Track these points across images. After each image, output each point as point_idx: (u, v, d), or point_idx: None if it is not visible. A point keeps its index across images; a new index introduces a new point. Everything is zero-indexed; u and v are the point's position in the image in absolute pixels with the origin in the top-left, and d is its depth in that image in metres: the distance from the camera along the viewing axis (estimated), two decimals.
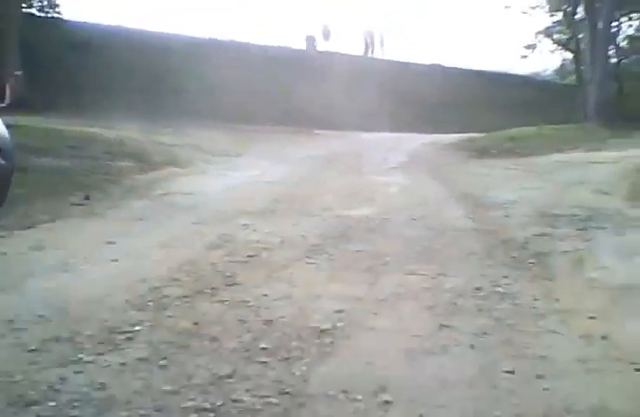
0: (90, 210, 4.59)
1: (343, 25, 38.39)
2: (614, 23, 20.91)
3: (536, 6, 21.61)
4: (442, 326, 2.54)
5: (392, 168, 7.97)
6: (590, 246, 3.86)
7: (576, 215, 4.76)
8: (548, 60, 24.45)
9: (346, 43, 24.22)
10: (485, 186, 6.53)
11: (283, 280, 3.11)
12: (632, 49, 21.80)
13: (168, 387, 1.94)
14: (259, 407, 1.86)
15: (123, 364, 2.09)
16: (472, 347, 2.36)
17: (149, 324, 2.46)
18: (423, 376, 2.11)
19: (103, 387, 1.94)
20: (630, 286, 3.10)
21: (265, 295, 2.85)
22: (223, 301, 2.77)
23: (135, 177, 5.82)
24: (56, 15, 14.94)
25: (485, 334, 2.48)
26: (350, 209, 4.91)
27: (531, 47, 22.40)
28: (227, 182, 6.05)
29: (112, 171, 6.02)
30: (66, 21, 15.05)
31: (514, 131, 13.78)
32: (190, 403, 1.86)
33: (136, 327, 2.41)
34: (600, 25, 17.36)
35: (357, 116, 16.71)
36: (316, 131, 14.53)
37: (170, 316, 2.55)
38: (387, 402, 1.91)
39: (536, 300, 2.90)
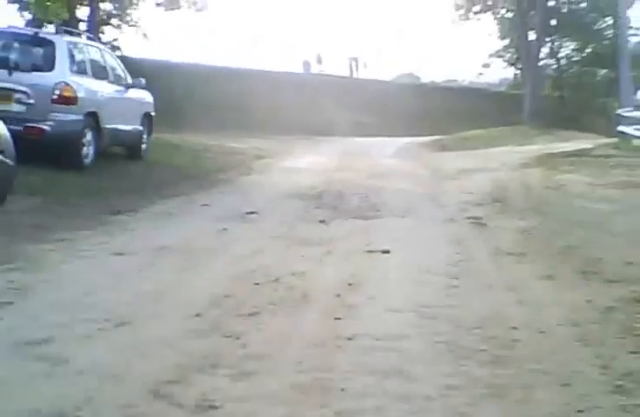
0: (257, 174, 10.15)
1: (332, 51, 45.89)
2: (555, 44, 27.46)
3: (490, 34, 28.19)
4: (403, 180, 8.29)
5: (386, 156, 13.72)
6: (472, 176, 9.68)
7: (476, 170, 10.55)
8: (503, 73, 30.55)
9: (335, 66, 30.31)
10: (440, 163, 12.27)
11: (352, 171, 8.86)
12: (568, 64, 28.12)
13: None
14: None
15: None
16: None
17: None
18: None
19: None
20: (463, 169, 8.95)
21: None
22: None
23: (256, 162, 11.46)
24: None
25: (413, 182, 8.24)
26: (373, 169, 10.66)
27: (486, 65, 28.88)
28: (303, 163, 11.69)
29: (237, 161, 11.67)
30: (128, 57, 20.55)
31: (468, 133, 19.58)
32: None
33: None
34: (532, 49, 23.57)
35: (347, 126, 22.59)
36: (319, 138, 20.11)
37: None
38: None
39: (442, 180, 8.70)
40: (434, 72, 53.96)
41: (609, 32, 26.67)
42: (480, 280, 3.85)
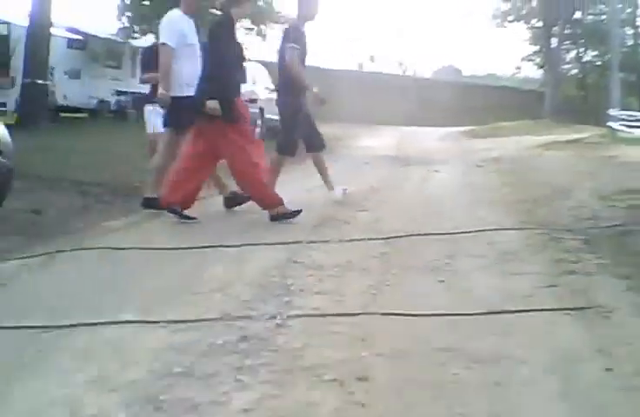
0: (345, 149, 15.88)
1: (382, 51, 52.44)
2: (580, 50, 32.81)
3: (524, 40, 33.66)
4: (444, 152, 13.91)
5: (432, 139, 19.34)
6: (489, 152, 15.27)
7: (494, 148, 16.08)
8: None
9: (386, 65, 36.26)
10: (470, 144, 17.82)
11: (410, 148, 14.52)
12: (591, 68, 33.42)
13: None
14: None
15: None
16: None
17: None
18: None
19: None
20: (485, 148, 14.60)
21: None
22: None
23: (338, 143, 17.19)
24: None
25: (450, 153, 13.86)
26: (424, 147, 16.29)
27: (518, 68, 34.42)
28: (373, 143, 17.37)
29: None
30: None
31: (498, 124, 25.03)
32: None
33: None
34: (554, 55, 29.00)
35: (399, 117, 28.27)
36: (378, 126, 25.76)
37: None
38: None
39: (469, 153, 14.33)
40: (474, 66, 59.65)
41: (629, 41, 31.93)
42: (473, 176, 9.47)
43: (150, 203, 5.48)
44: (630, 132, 19.22)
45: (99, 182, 6.51)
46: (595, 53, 32.55)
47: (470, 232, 4.72)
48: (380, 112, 28.32)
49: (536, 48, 32.54)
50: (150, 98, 6.47)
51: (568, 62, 32.62)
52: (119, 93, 16.07)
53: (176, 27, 5.58)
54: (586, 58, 32.86)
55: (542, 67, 33.14)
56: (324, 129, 18.87)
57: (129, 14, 17.25)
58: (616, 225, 4.78)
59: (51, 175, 6.51)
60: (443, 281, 3.55)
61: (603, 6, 31.20)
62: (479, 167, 10.85)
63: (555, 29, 30.25)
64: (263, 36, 18.67)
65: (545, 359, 2.47)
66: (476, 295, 3.30)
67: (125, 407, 2.09)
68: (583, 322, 2.83)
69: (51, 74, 13.69)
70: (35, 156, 7.54)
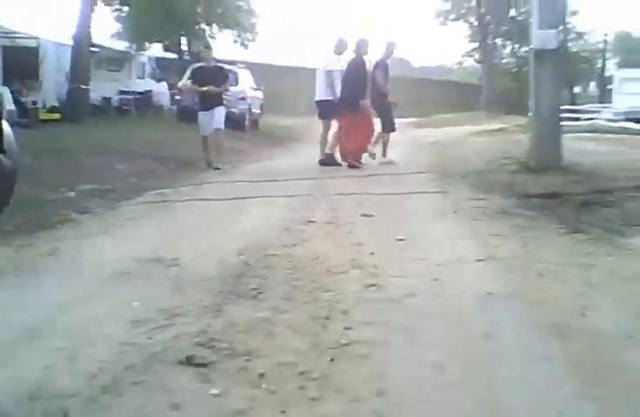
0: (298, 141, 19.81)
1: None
2: (515, 46, 37.38)
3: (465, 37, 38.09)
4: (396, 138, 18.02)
5: None
6: (428, 138, 19.41)
7: (433, 136, 20.24)
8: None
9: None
10: (415, 132, 21.97)
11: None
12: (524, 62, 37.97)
13: None
14: None
15: None
16: None
17: None
18: None
19: None
20: (426, 135, 18.74)
21: None
22: None
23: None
24: None
25: (401, 139, 17.98)
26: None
27: (459, 63, 38.84)
28: None
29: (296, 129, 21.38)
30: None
31: (440, 116, 29.40)
32: None
33: None
34: (488, 50, 33.44)
35: None
36: None
37: None
38: None
39: (414, 139, 18.43)
40: (424, 57, 64.40)
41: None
42: (413, 153, 13.54)
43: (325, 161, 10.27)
44: None
45: (166, 156, 10.36)
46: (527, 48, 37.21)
47: (401, 174, 8.78)
48: None
49: (476, 44, 36.96)
50: (201, 108, 10.15)
51: (504, 57, 37.16)
52: (121, 92, 19.67)
53: (332, 62, 10.27)
54: (520, 53, 37.38)
55: (479, 62, 37.59)
56: (288, 123, 23.14)
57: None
58: (482, 171, 8.85)
59: (130, 151, 10.28)
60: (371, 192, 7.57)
61: None
62: (419, 148, 14.97)
63: (491, 26, 34.64)
64: (245, 45, 22.43)
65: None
66: (393, 191, 7.32)
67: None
68: (437, 197, 6.86)
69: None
70: (104, 140, 11.25)
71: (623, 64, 58.85)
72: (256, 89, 18.90)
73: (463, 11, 36.89)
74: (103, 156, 9.34)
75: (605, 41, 43.49)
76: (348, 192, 7.01)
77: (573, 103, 34.80)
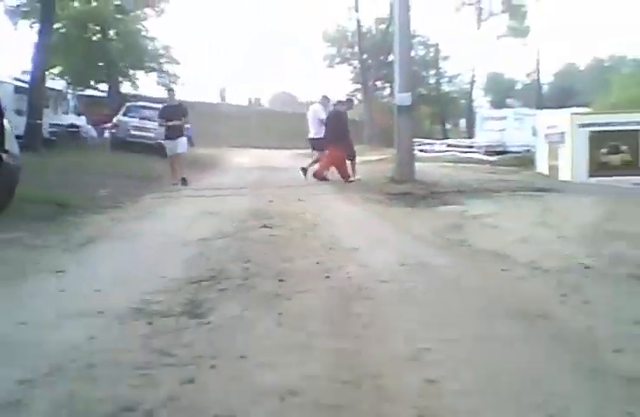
0: (227, 162, 23.84)
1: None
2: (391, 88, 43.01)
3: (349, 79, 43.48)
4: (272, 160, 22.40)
5: (278, 157, 27.89)
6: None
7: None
8: None
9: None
10: (303, 162, 26.55)
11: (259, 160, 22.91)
12: None
13: None
14: None
15: None
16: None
17: None
18: None
19: None
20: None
21: None
22: None
23: (217, 159, 25.19)
24: None
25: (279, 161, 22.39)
26: (274, 161, 24.75)
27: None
28: (248, 160, 25.56)
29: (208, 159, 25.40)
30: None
31: None
32: None
33: None
34: (368, 91, 38.83)
35: (248, 141, 36.83)
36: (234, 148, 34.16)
37: None
38: None
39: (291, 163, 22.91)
40: (310, 93, 71.04)
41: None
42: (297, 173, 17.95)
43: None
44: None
45: (133, 175, 14.22)
46: None
47: (323, 184, 13.13)
48: (235, 138, 36.73)
49: (358, 86, 42.42)
50: (167, 136, 14.00)
51: (384, 97, 42.74)
52: (51, 125, 23.12)
53: (321, 112, 14.72)
54: None
55: (361, 102, 43.01)
56: (206, 152, 27.23)
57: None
58: (366, 182, 13.28)
59: (104, 172, 14.08)
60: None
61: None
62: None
63: (372, 70, 40.14)
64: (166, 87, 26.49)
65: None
66: (313, 192, 11.65)
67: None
68: (341, 195, 11.23)
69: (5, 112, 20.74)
70: (74, 164, 14.95)
71: (493, 103, 66.61)
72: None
73: (348, 56, 42.31)
74: (89, 175, 13.09)
75: (473, 81, 50.00)
76: (283, 193, 11.29)
77: (445, 138, 40.60)
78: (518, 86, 72.46)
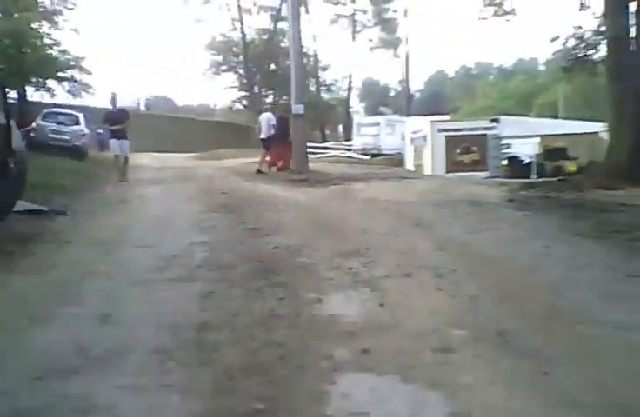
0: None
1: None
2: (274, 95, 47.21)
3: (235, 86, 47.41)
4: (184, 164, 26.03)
5: (176, 159, 31.33)
6: (205, 167, 27.78)
7: (210, 165, 28.60)
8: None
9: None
10: (199, 163, 30.14)
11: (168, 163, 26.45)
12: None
13: None
14: None
15: None
16: None
17: None
18: None
19: None
20: (207, 165, 27.15)
21: None
22: None
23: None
24: None
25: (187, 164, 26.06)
26: (174, 162, 28.25)
27: (231, 107, 48.11)
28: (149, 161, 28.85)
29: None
30: None
31: (217, 151, 37.90)
32: None
33: None
34: (255, 98, 42.92)
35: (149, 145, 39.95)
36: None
37: None
38: None
39: (196, 167, 26.64)
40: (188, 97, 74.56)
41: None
42: (220, 170, 21.74)
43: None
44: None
45: (83, 174, 17.58)
46: (287, 97, 47.37)
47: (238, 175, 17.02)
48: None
49: (244, 93, 46.41)
50: (112, 138, 17.14)
51: (267, 104, 46.92)
52: None
53: (271, 118, 18.25)
54: (282, 101, 47.43)
55: (247, 108, 47.05)
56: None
57: None
58: (269, 174, 17.29)
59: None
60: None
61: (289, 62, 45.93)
62: (229, 169, 23.19)
63: (257, 78, 44.25)
64: (75, 95, 29.30)
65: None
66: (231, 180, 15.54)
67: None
68: (253, 182, 15.21)
69: None
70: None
71: (368, 109, 72.03)
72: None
73: (233, 64, 46.18)
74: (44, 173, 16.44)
75: (350, 89, 54.95)
76: (212, 182, 15.08)
77: (324, 141, 45.13)
78: (392, 93, 78.80)
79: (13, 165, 5.92)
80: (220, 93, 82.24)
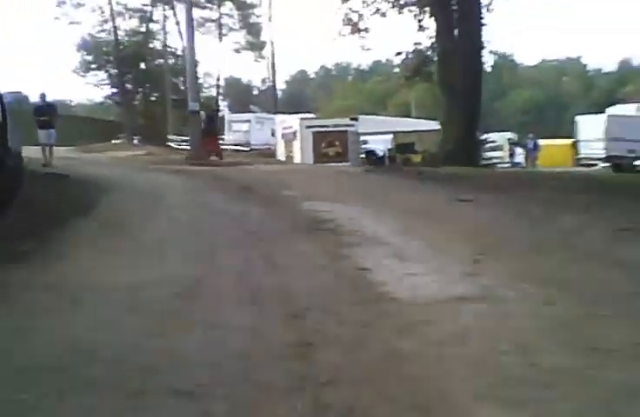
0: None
1: None
2: (144, 92, 50.18)
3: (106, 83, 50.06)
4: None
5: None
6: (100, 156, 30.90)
7: (98, 157, 31.70)
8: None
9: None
10: (88, 156, 33.05)
11: None
12: (149, 105, 51.13)
13: None
14: None
15: None
16: None
17: None
18: None
19: None
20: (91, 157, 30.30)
21: None
22: None
23: None
24: None
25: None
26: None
27: (102, 103, 50.70)
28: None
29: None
30: None
31: (91, 145, 40.52)
32: None
33: None
34: (128, 95, 45.99)
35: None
36: None
37: None
38: None
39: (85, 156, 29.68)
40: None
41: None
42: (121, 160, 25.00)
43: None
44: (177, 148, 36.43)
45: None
46: (157, 94, 50.37)
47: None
48: None
49: (115, 90, 48.90)
50: (40, 128, 19.74)
51: (137, 100, 49.89)
52: None
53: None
54: (152, 97, 50.41)
55: (118, 103, 49.53)
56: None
57: None
58: (175, 161, 20.97)
59: None
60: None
61: (161, 60, 49.09)
62: (124, 160, 26.41)
63: (128, 75, 47.18)
64: None
65: None
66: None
67: None
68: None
69: None
70: None
71: (232, 107, 75.42)
72: None
73: (103, 63, 48.67)
74: None
75: (218, 86, 58.08)
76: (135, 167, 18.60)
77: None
78: (255, 91, 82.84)
79: (9, 161, 6.11)
80: (90, 90, 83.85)
